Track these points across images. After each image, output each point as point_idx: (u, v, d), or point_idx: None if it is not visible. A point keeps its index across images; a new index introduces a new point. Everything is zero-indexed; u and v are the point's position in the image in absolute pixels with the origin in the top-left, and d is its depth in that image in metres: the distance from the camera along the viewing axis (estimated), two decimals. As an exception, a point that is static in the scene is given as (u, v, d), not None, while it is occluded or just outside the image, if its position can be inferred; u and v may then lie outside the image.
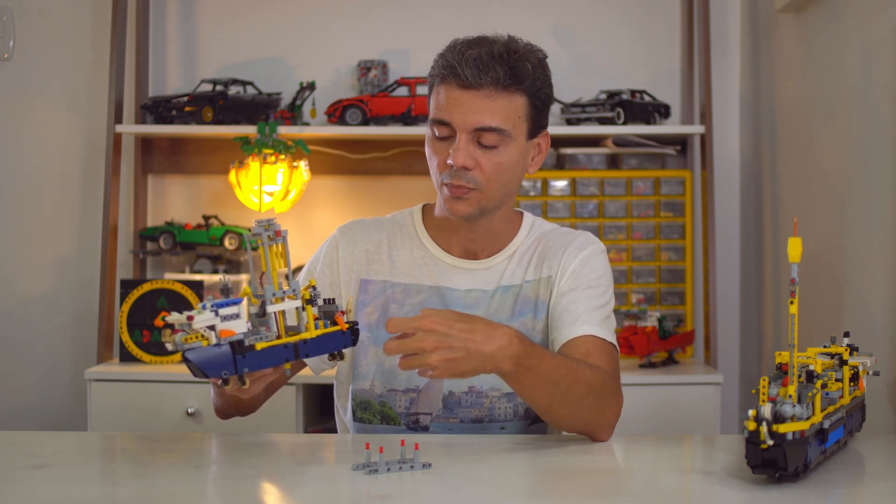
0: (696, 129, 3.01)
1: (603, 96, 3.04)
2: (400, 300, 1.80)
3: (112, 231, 2.99)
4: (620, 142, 3.05)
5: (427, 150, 1.77)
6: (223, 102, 2.96)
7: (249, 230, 1.43)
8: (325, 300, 1.48)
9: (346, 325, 1.49)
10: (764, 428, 1.33)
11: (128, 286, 2.93)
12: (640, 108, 3.01)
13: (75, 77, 3.20)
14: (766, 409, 1.34)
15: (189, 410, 2.73)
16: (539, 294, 1.79)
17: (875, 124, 2.19)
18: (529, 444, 1.65)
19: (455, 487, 1.40)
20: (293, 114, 3.05)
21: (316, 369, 1.83)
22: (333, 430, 1.98)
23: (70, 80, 3.21)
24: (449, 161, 1.70)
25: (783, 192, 2.86)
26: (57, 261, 3.21)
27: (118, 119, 3.01)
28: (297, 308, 1.44)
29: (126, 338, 2.91)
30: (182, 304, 2.91)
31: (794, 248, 1.38)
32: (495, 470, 1.50)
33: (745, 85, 3.19)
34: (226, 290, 1.41)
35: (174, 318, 1.37)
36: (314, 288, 1.46)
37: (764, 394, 1.39)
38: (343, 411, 1.87)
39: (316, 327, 1.47)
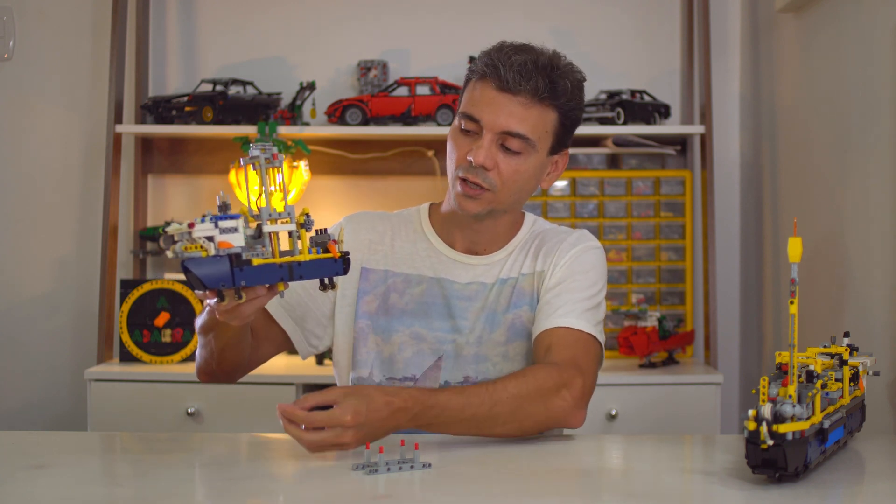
0: (696, 129, 3.01)
1: (603, 96, 3.04)
2: (401, 290, 1.82)
3: (112, 231, 2.99)
4: (620, 142, 3.05)
5: (448, 143, 1.79)
6: (223, 102, 2.96)
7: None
8: (317, 230, 1.50)
9: (339, 254, 1.50)
10: (764, 428, 1.33)
11: (128, 286, 2.94)
12: (640, 108, 3.01)
13: (75, 77, 3.20)
14: (766, 409, 1.34)
15: (189, 410, 2.73)
16: (534, 287, 1.82)
17: (875, 124, 2.19)
18: (529, 443, 1.65)
19: (455, 487, 1.40)
20: (293, 114, 3.05)
21: (302, 351, 1.85)
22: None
23: (70, 80, 3.21)
24: (469, 157, 1.72)
25: (783, 192, 2.86)
26: (57, 261, 3.21)
27: (118, 119, 3.01)
28: (291, 233, 1.47)
29: (126, 338, 2.91)
30: (182, 304, 2.92)
31: (794, 248, 1.38)
32: (495, 470, 1.50)
33: (745, 85, 3.19)
34: (224, 206, 1.43)
35: (174, 228, 1.40)
36: (308, 215, 1.48)
37: (764, 394, 1.39)
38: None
39: (309, 253, 1.49)
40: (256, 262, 1.43)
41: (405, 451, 1.47)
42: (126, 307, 2.92)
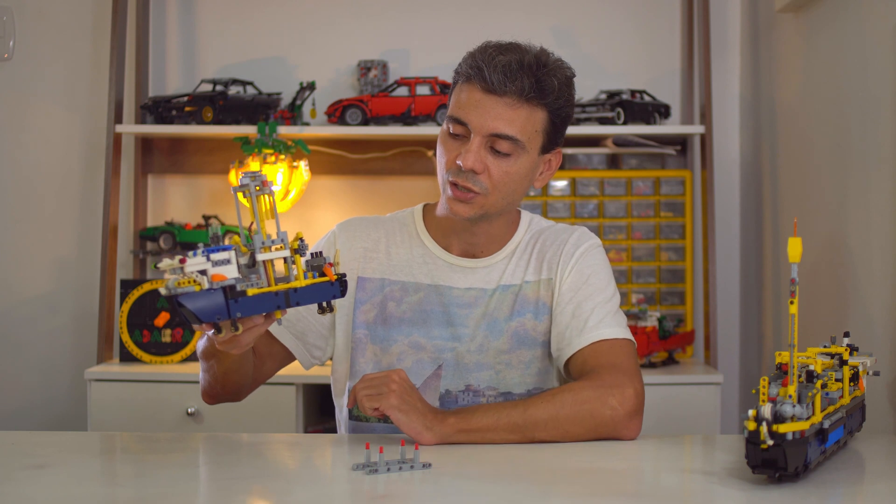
0: (696, 129, 3.01)
1: (603, 96, 3.04)
2: (398, 298, 1.80)
3: (112, 231, 2.99)
4: (620, 142, 3.05)
5: (438, 147, 1.76)
6: (223, 102, 2.96)
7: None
8: (312, 254, 1.49)
9: (335, 277, 1.49)
10: (764, 428, 1.33)
11: (128, 286, 2.94)
12: (640, 108, 3.01)
13: (75, 77, 3.20)
14: (766, 409, 1.34)
15: (189, 410, 2.73)
16: (540, 295, 1.79)
17: (875, 124, 2.19)
18: (529, 443, 1.65)
19: (455, 487, 1.40)
20: (293, 114, 3.05)
21: (306, 364, 1.83)
22: (333, 430, 1.98)
23: (70, 80, 3.21)
24: (458, 161, 1.69)
25: (783, 192, 2.86)
26: (57, 261, 3.21)
27: (118, 119, 3.01)
28: (285, 259, 1.46)
29: (126, 338, 2.91)
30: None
31: (794, 248, 1.38)
32: (495, 470, 1.50)
33: (745, 85, 3.19)
34: (216, 238, 1.42)
35: (166, 263, 1.39)
36: (301, 240, 1.47)
37: (764, 394, 1.39)
38: (339, 409, 1.87)
39: (305, 278, 1.48)
40: (251, 292, 1.42)
41: (405, 451, 1.47)
42: (126, 307, 2.92)
